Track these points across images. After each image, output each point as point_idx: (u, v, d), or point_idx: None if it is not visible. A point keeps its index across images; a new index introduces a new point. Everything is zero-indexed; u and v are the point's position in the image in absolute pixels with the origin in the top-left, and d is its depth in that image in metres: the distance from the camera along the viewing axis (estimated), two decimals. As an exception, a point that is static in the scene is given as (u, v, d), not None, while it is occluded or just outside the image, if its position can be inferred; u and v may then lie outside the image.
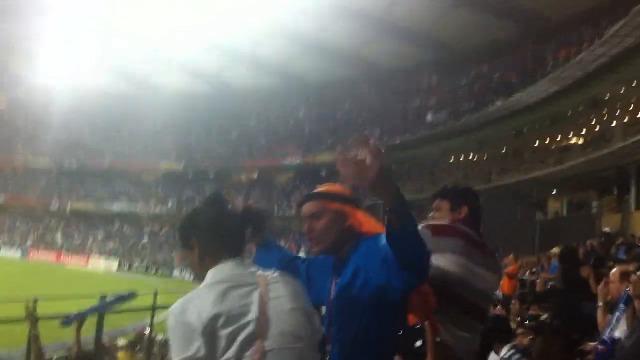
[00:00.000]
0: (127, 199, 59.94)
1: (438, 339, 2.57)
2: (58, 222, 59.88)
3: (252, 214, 2.69)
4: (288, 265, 3.03)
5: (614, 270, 5.16)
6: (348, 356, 2.59)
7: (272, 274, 2.33)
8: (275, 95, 62.71)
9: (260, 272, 2.33)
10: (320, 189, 2.95)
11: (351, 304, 2.58)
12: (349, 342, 2.58)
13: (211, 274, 2.31)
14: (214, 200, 2.49)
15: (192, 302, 2.18)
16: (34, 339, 5.30)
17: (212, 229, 2.38)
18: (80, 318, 5.09)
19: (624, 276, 4.87)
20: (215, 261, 2.34)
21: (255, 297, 2.21)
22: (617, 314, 4.77)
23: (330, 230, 2.73)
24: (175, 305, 2.20)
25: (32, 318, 5.24)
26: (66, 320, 4.98)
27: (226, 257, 2.35)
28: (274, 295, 2.24)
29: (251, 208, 2.77)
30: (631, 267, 5.22)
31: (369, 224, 2.73)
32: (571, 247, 8.60)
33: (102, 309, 5.10)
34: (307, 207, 2.84)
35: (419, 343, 2.65)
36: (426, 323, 2.50)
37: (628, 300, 4.61)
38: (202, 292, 2.24)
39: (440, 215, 3.29)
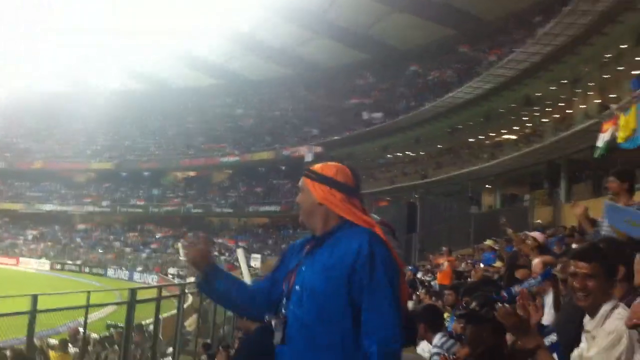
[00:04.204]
0: (59, 199, 58.54)
1: None
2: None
3: None
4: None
5: (535, 260, 5.27)
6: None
7: None
8: (213, 94, 62.40)
9: None
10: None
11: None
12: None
13: None
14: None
15: None
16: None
17: None
18: None
19: (546, 267, 4.98)
20: None
21: None
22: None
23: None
24: None
25: None
26: None
27: None
28: None
29: None
30: (550, 258, 5.37)
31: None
32: (515, 252, 8.83)
33: None
34: None
35: None
36: None
37: (545, 277, 4.71)
38: None
39: None
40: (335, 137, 45.25)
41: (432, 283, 11.10)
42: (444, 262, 11.84)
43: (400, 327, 2.35)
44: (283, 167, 50.75)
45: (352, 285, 2.38)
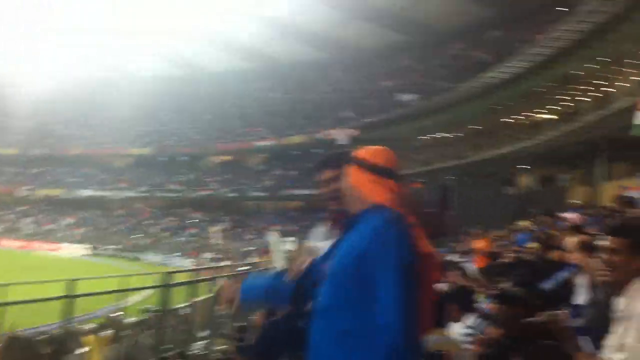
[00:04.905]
0: (98, 184, 59.38)
1: None
2: (28, 209, 59.20)
3: None
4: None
5: (571, 239, 5.19)
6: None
7: None
8: (248, 78, 62.61)
9: None
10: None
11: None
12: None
13: None
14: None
15: None
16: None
17: None
18: None
19: (583, 246, 4.90)
20: None
21: None
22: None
23: None
24: None
25: None
26: None
27: None
28: None
29: None
30: (587, 237, 5.26)
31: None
32: (549, 234, 8.69)
33: None
34: None
35: None
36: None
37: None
38: None
39: None
40: (371, 120, 45.02)
41: (467, 265, 10.97)
42: (478, 245, 11.73)
43: (403, 314, 2.23)
44: (318, 151, 50.72)
45: (367, 267, 2.31)
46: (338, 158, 2.79)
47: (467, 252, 13.25)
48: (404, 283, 2.25)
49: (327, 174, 2.82)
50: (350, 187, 2.52)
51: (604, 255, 2.82)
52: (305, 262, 2.92)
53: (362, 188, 2.48)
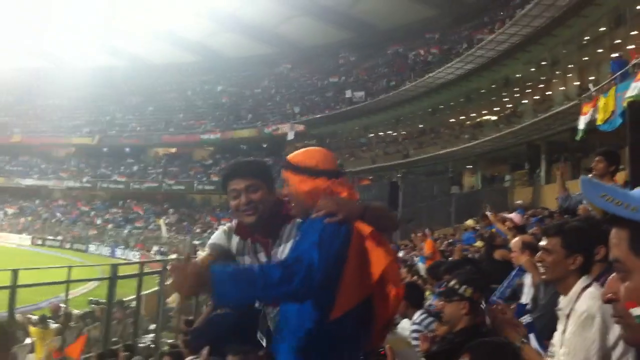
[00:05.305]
0: (39, 173, 58.03)
1: None
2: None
3: None
4: None
5: (515, 240, 5.37)
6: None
7: None
8: (193, 71, 61.96)
9: None
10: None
11: None
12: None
13: None
14: None
15: None
16: None
17: None
18: None
19: (526, 246, 5.09)
20: None
21: None
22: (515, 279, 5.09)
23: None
24: None
25: None
26: None
27: None
28: None
29: None
30: (529, 238, 5.47)
31: None
32: (493, 233, 8.95)
33: None
34: None
35: None
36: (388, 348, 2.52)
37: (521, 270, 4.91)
38: None
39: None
40: (317, 116, 45.15)
41: (415, 262, 11.20)
42: (428, 245, 11.94)
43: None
44: (265, 145, 50.57)
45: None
46: (247, 167, 2.80)
47: (415, 250, 13.51)
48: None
49: (239, 183, 2.71)
50: (289, 192, 2.54)
51: (538, 255, 3.01)
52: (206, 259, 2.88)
53: (299, 193, 2.50)
